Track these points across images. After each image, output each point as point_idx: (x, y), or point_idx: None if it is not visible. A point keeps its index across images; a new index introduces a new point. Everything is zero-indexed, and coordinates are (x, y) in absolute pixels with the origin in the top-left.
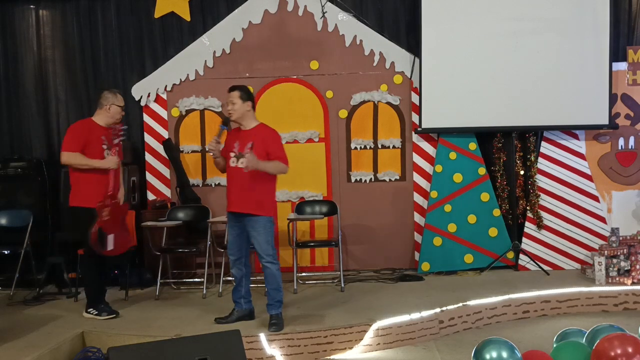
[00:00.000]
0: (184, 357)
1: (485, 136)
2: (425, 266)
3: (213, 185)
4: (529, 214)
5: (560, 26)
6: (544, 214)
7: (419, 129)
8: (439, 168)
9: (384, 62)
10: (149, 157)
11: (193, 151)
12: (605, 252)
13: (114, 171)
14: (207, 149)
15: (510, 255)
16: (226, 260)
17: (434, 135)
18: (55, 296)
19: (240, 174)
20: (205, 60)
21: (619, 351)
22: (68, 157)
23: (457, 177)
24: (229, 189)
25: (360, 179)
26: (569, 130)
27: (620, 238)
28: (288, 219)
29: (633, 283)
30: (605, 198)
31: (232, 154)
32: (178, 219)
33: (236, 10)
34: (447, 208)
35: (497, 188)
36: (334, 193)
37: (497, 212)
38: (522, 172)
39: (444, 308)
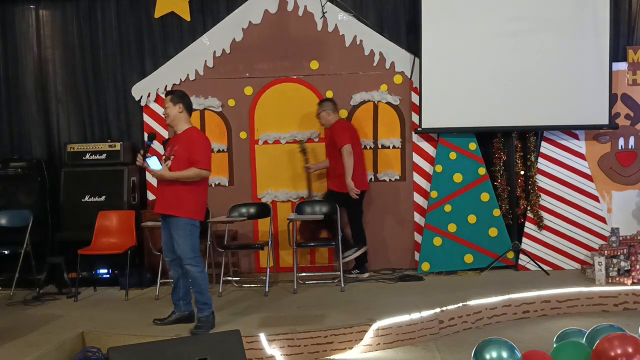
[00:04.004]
0: (184, 357)
1: (485, 136)
2: (425, 266)
3: (213, 185)
4: (529, 214)
5: (560, 26)
6: (544, 214)
7: (419, 129)
8: (439, 168)
9: (384, 62)
10: None
11: None
12: (605, 252)
13: None
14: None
15: (510, 255)
16: (226, 260)
17: (434, 135)
18: (55, 296)
19: None
20: (205, 60)
21: (619, 351)
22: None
23: (457, 177)
24: (157, 191)
25: None
26: (569, 130)
27: (620, 238)
28: (288, 219)
29: (633, 283)
30: (605, 198)
31: (164, 158)
32: None
33: (236, 10)
34: (447, 208)
35: (497, 188)
36: None
37: (497, 212)
38: (522, 172)
39: (444, 308)
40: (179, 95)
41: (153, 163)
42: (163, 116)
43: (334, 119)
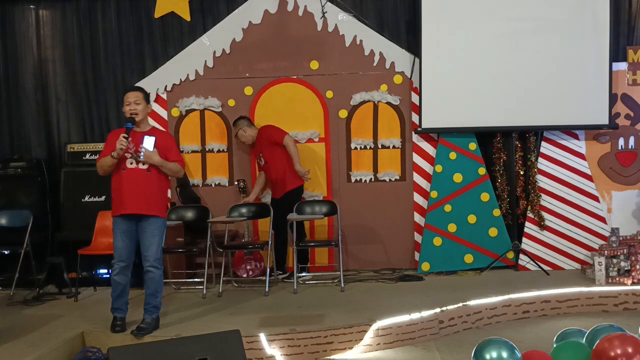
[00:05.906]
0: (184, 357)
1: (485, 136)
2: (425, 266)
3: (213, 185)
4: (530, 214)
5: (560, 26)
6: (544, 214)
7: (419, 129)
8: (439, 168)
9: (384, 62)
10: None
11: (193, 151)
12: (605, 252)
13: None
14: (117, 148)
15: (510, 255)
16: (226, 260)
17: (434, 135)
18: (55, 296)
19: (140, 175)
20: (205, 60)
21: (619, 351)
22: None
23: (457, 177)
24: (125, 190)
25: (360, 179)
26: (569, 130)
27: (620, 238)
28: (288, 219)
29: (633, 283)
30: (605, 198)
31: (127, 156)
32: (178, 219)
33: (236, 10)
34: (447, 208)
35: (497, 188)
36: (334, 193)
37: (497, 212)
38: (522, 172)
39: (444, 308)
40: (148, 94)
41: (148, 142)
42: (128, 109)
43: (254, 131)
